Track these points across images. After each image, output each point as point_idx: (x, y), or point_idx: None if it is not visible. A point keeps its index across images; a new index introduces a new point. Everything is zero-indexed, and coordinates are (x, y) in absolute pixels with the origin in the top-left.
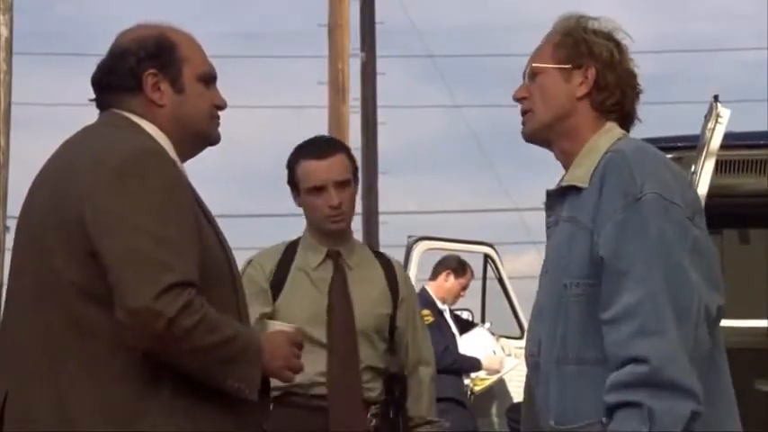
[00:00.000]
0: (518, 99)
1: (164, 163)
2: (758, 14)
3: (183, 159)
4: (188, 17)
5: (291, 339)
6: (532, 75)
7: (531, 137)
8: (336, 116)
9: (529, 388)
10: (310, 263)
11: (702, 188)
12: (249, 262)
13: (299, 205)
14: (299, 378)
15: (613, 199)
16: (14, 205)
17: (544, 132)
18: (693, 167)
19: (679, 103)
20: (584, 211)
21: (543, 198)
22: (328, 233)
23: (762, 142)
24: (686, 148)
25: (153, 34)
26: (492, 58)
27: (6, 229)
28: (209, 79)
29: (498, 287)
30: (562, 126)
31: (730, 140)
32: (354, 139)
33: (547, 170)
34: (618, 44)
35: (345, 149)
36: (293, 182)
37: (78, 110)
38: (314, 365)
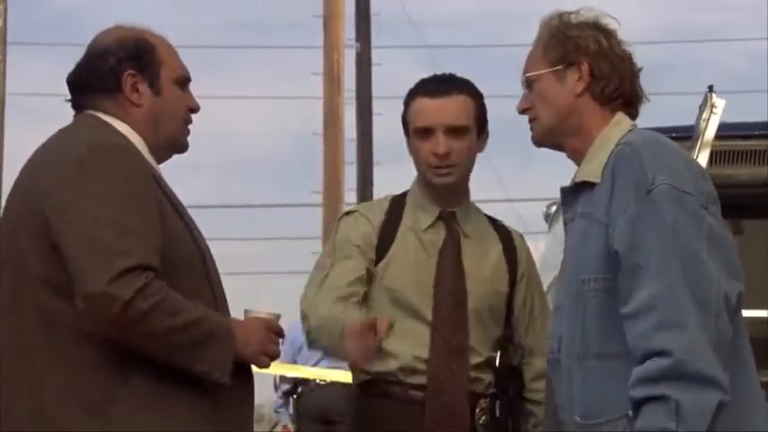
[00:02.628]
0: (522, 111)
1: (126, 154)
2: (760, 5)
3: (158, 162)
4: (183, 7)
5: (268, 325)
6: (529, 84)
7: (541, 142)
8: (331, 107)
9: (549, 386)
10: (421, 223)
11: None
12: (350, 212)
13: (409, 151)
14: (394, 363)
15: (625, 192)
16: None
17: (552, 136)
18: None
19: (680, 94)
20: (598, 206)
21: (545, 192)
22: (435, 188)
23: (757, 133)
24: (681, 138)
25: (132, 36)
26: (487, 49)
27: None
28: (184, 82)
29: None
30: (568, 125)
31: (725, 131)
32: (349, 131)
33: (542, 162)
34: (604, 31)
35: (470, 91)
36: (405, 120)
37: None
38: (415, 347)
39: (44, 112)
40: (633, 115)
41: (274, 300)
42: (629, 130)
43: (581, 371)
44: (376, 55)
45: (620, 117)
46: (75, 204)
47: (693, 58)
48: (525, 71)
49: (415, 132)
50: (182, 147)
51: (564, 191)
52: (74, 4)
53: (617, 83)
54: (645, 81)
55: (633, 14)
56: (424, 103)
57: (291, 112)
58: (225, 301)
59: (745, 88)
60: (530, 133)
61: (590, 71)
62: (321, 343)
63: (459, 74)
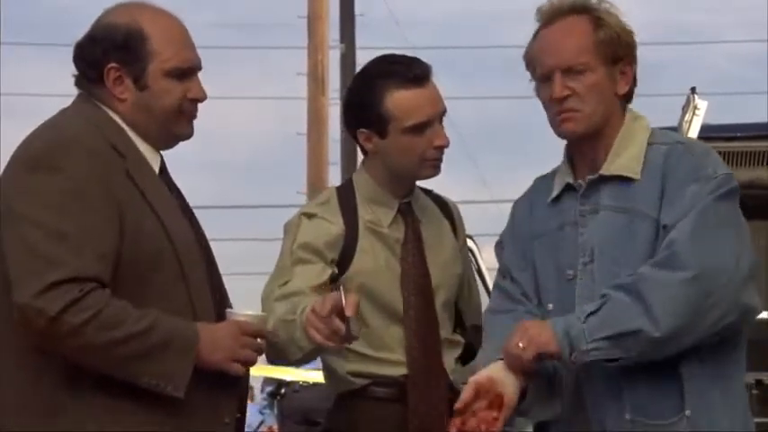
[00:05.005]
0: (561, 98)
1: (79, 154)
2: (751, 6)
3: (158, 148)
4: (168, 6)
5: (242, 328)
6: (576, 71)
7: (580, 134)
8: (316, 107)
9: (573, 385)
10: (382, 220)
11: None
12: (310, 216)
13: (375, 151)
14: (375, 369)
15: (687, 185)
16: None
17: (592, 129)
18: None
19: (669, 95)
20: (644, 202)
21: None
22: (408, 181)
23: (739, 134)
24: None
25: (125, 23)
26: (472, 50)
27: None
28: (181, 73)
29: (477, 278)
30: (605, 120)
31: (708, 132)
32: (334, 131)
33: (527, 162)
34: (589, 12)
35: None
36: (377, 119)
37: (60, 100)
38: (391, 352)
39: (38, 111)
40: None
41: (257, 301)
42: (652, 129)
43: (627, 368)
44: (360, 56)
45: (635, 112)
46: (18, 210)
47: (683, 59)
48: (575, 56)
49: (409, 130)
50: (179, 136)
51: (589, 183)
52: (69, 4)
53: (636, 83)
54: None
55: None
56: (414, 96)
57: (276, 113)
58: (208, 300)
59: (732, 90)
60: (562, 122)
61: (633, 74)
62: (281, 338)
63: (443, 74)
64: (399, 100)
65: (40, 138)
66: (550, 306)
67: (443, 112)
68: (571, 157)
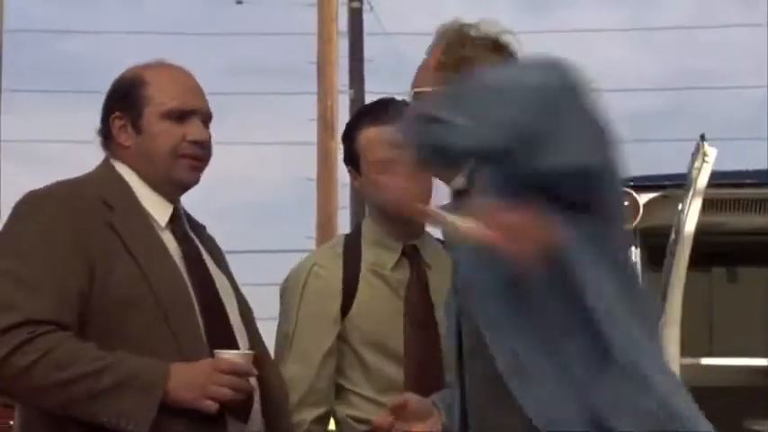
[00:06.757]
0: None
1: (50, 204)
2: (762, 50)
3: (168, 197)
4: (181, 54)
5: (217, 366)
6: (416, 96)
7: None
8: (325, 152)
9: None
10: (385, 263)
11: (690, 226)
12: (311, 270)
13: (360, 187)
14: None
15: None
16: None
17: None
18: (681, 206)
19: (683, 140)
20: None
21: None
22: (402, 222)
23: (749, 181)
24: (674, 186)
25: (130, 75)
26: None
27: None
28: (179, 115)
29: None
30: None
31: (717, 179)
32: (343, 176)
33: None
34: (503, 52)
35: None
36: (353, 157)
37: (77, 147)
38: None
39: (43, 158)
40: None
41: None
42: None
43: None
44: (369, 100)
45: None
46: None
47: (694, 104)
48: (415, 83)
49: (376, 165)
50: (180, 181)
51: None
52: (77, 49)
53: None
54: (646, 127)
55: (636, 60)
56: (378, 132)
57: (286, 157)
58: (199, 343)
59: (743, 135)
60: None
61: None
62: None
63: None
64: (366, 137)
65: (32, 192)
66: None
67: None
68: None
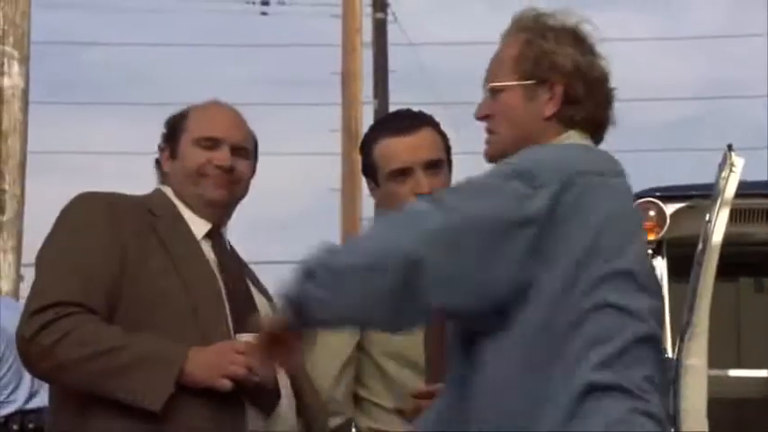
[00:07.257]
0: (480, 118)
1: (95, 203)
2: None
3: (204, 217)
4: (206, 65)
5: (235, 347)
6: (493, 92)
7: (494, 160)
8: (350, 162)
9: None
10: None
11: (717, 236)
12: None
13: (377, 199)
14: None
15: None
16: (29, 254)
17: (507, 155)
18: (708, 216)
19: (710, 150)
20: None
21: None
22: None
23: None
24: (700, 196)
25: (178, 111)
26: None
27: (21, 278)
28: (210, 144)
29: None
30: (525, 145)
31: (745, 189)
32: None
33: None
34: (583, 46)
35: (434, 124)
36: (370, 168)
37: (97, 158)
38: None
39: (66, 168)
40: (597, 141)
41: None
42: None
43: None
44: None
45: (570, 133)
46: (40, 248)
47: (721, 114)
48: (490, 77)
49: (391, 175)
50: (207, 199)
51: None
52: (102, 60)
53: (590, 109)
54: (677, 136)
55: (670, 67)
56: (395, 143)
57: (310, 168)
58: (217, 329)
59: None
60: (483, 145)
61: (563, 93)
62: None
63: (474, 129)
64: (381, 148)
65: None
66: None
67: (429, 161)
68: None
